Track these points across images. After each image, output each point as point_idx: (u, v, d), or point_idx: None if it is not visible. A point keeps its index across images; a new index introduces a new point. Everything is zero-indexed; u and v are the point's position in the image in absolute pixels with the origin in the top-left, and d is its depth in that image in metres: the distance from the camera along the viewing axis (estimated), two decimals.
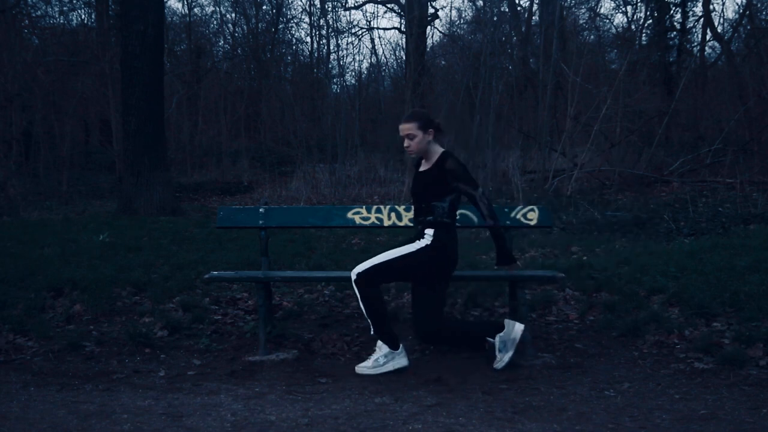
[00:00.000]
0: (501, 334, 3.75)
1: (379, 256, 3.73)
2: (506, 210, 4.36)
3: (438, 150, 3.82)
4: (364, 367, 3.75)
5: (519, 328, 3.74)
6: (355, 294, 3.74)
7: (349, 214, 4.40)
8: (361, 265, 3.70)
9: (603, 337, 4.26)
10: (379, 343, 3.76)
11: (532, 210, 4.34)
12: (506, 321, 3.80)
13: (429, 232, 3.72)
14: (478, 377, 3.63)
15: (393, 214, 4.39)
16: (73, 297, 4.86)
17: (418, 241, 3.73)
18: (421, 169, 3.88)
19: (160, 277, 5.39)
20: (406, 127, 3.76)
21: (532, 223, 4.34)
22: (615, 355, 3.98)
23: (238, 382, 3.58)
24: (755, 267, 5.05)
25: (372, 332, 3.75)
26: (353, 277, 3.68)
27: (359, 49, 26.49)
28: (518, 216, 4.33)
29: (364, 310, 3.70)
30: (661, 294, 4.72)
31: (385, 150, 14.49)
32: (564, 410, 3.15)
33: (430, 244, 3.69)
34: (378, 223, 4.39)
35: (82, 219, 9.45)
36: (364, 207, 4.40)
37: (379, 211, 4.39)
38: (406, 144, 3.79)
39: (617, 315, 4.46)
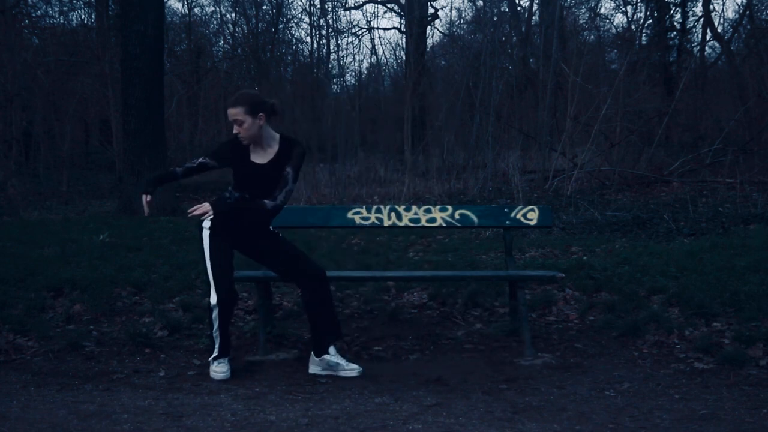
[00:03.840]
0: (330, 357, 3.68)
1: (207, 268, 3.60)
2: (506, 210, 4.36)
3: (274, 136, 3.63)
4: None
5: (353, 372, 3.65)
6: (213, 318, 3.61)
7: (349, 214, 4.40)
8: (210, 290, 3.58)
9: (603, 337, 4.26)
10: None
11: (532, 210, 4.34)
12: (346, 366, 3.67)
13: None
14: (478, 377, 3.63)
15: (393, 214, 4.39)
16: (73, 297, 4.86)
17: (204, 224, 3.61)
18: (258, 161, 3.61)
19: (160, 277, 5.38)
20: (233, 112, 3.50)
21: (532, 223, 4.34)
22: (615, 355, 3.98)
23: (238, 382, 3.58)
24: (755, 267, 5.05)
25: (217, 350, 3.65)
26: (213, 302, 3.58)
27: (359, 49, 26.44)
28: (518, 216, 4.33)
29: (220, 328, 3.61)
30: (661, 294, 4.72)
31: (385, 150, 14.48)
32: (564, 410, 3.15)
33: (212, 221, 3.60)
34: (378, 223, 4.39)
35: (82, 219, 9.45)
36: (364, 207, 4.41)
37: (379, 211, 4.39)
38: (235, 130, 3.54)
39: (617, 315, 4.46)
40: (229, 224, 3.65)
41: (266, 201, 3.56)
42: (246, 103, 3.52)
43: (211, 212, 3.53)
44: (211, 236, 3.62)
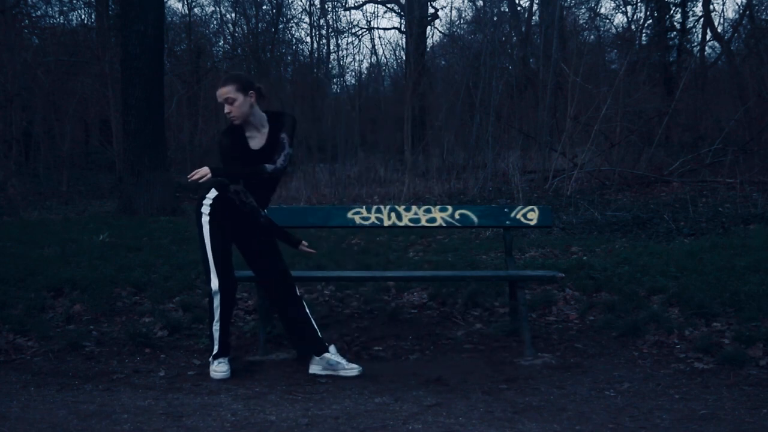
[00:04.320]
0: (331, 355, 3.71)
1: (208, 254, 3.60)
2: (506, 210, 4.36)
3: (263, 115, 3.66)
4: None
5: (353, 371, 3.67)
6: (215, 307, 3.62)
7: (349, 214, 4.40)
8: (211, 276, 3.59)
9: (603, 337, 4.26)
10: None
11: (532, 210, 4.34)
12: (346, 365, 3.70)
13: (210, 194, 3.62)
14: (478, 377, 3.63)
15: (393, 214, 4.39)
16: (73, 297, 4.86)
17: (203, 210, 3.62)
18: (256, 146, 3.64)
19: (160, 277, 5.38)
20: (224, 91, 3.53)
21: (532, 223, 4.34)
22: (615, 355, 3.98)
23: (238, 382, 3.58)
24: (755, 267, 5.05)
25: (217, 348, 3.66)
26: (215, 288, 3.58)
27: (359, 49, 26.46)
28: (518, 216, 4.33)
29: (221, 319, 3.62)
30: (661, 294, 4.72)
31: (385, 150, 14.48)
32: (564, 410, 3.15)
33: (214, 203, 3.61)
34: (378, 223, 4.39)
35: (82, 219, 9.44)
36: (364, 207, 4.41)
37: (379, 211, 4.39)
38: (226, 110, 3.55)
39: (617, 315, 4.46)
40: (229, 205, 3.62)
41: (266, 165, 3.58)
42: (237, 81, 3.56)
43: (209, 175, 3.50)
44: (210, 222, 3.62)
